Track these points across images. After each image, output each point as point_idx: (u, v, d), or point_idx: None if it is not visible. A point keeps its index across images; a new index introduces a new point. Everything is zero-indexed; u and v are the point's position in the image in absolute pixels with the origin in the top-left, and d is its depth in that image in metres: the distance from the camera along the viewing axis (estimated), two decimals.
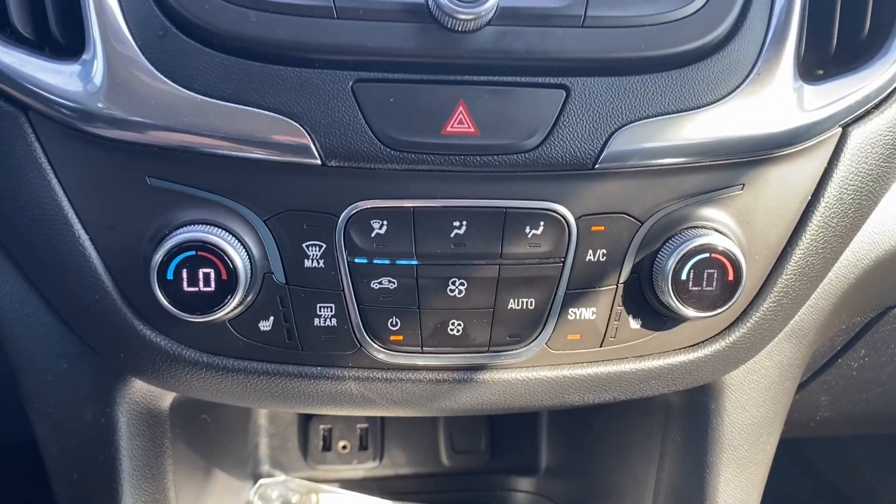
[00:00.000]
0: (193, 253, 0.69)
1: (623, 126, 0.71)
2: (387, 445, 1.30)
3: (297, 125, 0.68)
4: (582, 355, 0.79)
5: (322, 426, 1.29)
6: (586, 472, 1.18)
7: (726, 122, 0.72)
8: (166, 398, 0.86)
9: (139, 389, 0.83)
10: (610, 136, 0.70)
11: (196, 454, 0.99)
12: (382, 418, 1.30)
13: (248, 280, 0.71)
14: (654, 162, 0.72)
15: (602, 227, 0.74)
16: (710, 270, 0.74)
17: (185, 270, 0.69)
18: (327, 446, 1.29)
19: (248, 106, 0.68)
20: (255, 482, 1.23)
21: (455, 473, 1.32)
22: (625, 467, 1.05)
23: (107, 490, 0.83)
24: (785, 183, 0.76)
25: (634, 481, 1.02)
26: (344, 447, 1.29)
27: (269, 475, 1.27)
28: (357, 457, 1.30)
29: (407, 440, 1.32)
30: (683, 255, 0.73)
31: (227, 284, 0.70)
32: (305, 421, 1.29)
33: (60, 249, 0.73)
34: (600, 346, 0.78)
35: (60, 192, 0.72)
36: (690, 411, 0.91)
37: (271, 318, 0.74)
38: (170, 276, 0.69)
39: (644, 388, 0.82)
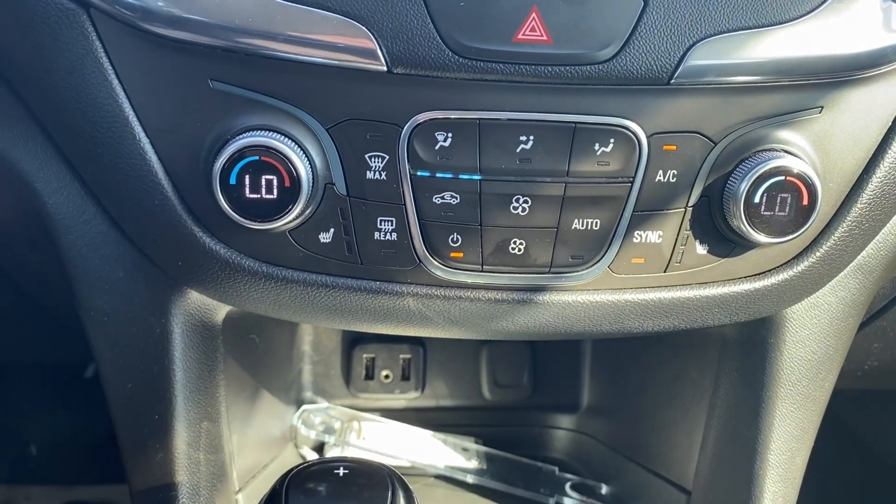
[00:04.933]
0: (257, 158, 0.68)
1: (701, 40, 0.68)
2: (429, 376, 1.30)
3: (364, 28, 0.66)
4: (645, 280, 0.77)
5: (365, 355, 1.29)
6: (631, 409, 1.17)
7: (809, 40, 0.69)
8: (220, 312, 0.86)
9: (194, 301, 0.83)
10: (688, 50, 0.68)
11: (245, 373, 0.99)
12: (425, 349, 1.30)
13: (311, 189, 0.70)
14: (731, 79, 0.69)
15: (674, 147, 0.71)
16: (783, 194, 0.71)
17: (247, 176, 0.68)
18: (370, 375, 1.29)
19: (315, 7, 0.66)
20: (299, 407, 1.23)
21: (495, 408, 1.32)
22: (675, 403, 1.04)
23: (161, 400, 0.83)
24: (865, 107, 0.73)
25: (685, 416, 1.01)
26: (386, 377, 1.30)
27: (312, 401, 1.27)
28: (399, 386, 1.30)
29: (449, 372, 1.31)
30: (757, 178, 0.70)
31: (290, 192, 0.69)
32: (348, 349, 1.29)
33: (120, 153, 0.72)
34: (664, 271, 0.76)
35: (122, 94, 0.70)
36: (748, 345, 0.89)
37: (331, 231, 0.73)
38: (232, 181, 0.68)
39: (706, 316, 0.80)
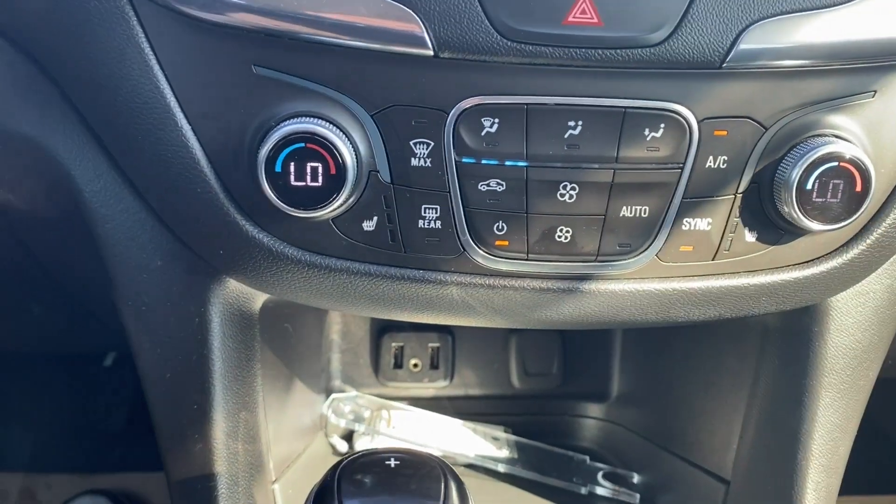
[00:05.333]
0: (302, 145, 0.67)
1: (754, 23, 0.66)
2: (458, 365, 1.29)
3: (411, 12, 0.65)
4: (693, 268, 0.76)
5: (394, 343, 1.28)
6: (664, 398, 1.16)
7: (862, 23, 0.68)
8: (257, 300, 0.85)
9: (232, 290, 0.82)
10: (740, 33, 0.66)
11: (280, 362, 0.99)
12: (454, 337, 1.29)
13: (356, 176, 0.68)
14: (783, 63, 0.68)
15: (725, 132, 0.70)
16: (836, 180, 0.70)
17: (292, 164, 0.67)
18: (398, 364, 1.28)
19: None
20: (328, 396, 1.23)
21: (525, 396, 1.31)
22: (712, 391, 1.02)
23: (200, 390, 0.82)
24: None
25: (723, 405, 1.00)
26: (415, 365, 1.29)
27: (341, 390, 1.27)
28: (428, 375, 1.29)
29: (478, 361, 1.31)
30: (810, 164, 0.69)
31: (335, 180, 0.68)
32: (377, 337, 1.28)
33: (162, 140, 0.71)
34: (713, 259, 0.75)
35: (163, 80, 0.69)
36: (791, 334, 0.88)
37: (375, 218, 0.72)
38: (278, 168, 0.67)
39: (753, 305, 0.79)
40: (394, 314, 0.80)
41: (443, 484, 0.60)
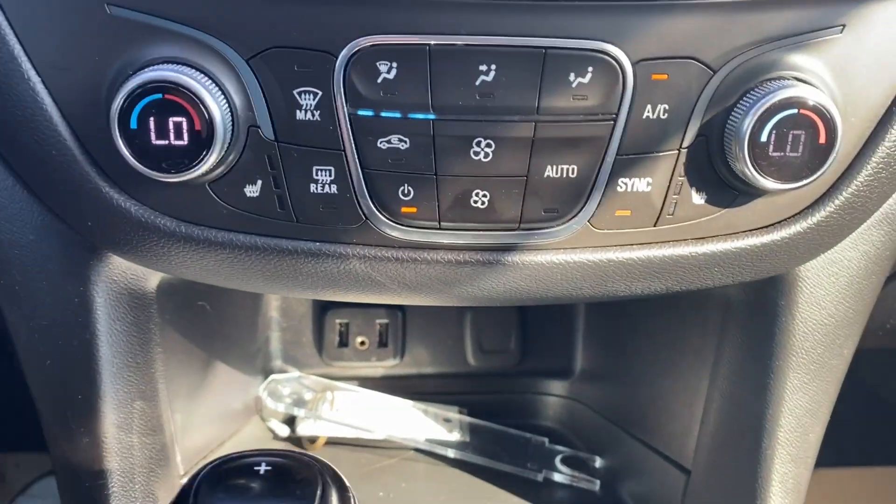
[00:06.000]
0: (160, 96, 0.57)
1: None
2: (408, 343, 1.20)
3: None
4: (632, 235, 0.66)
5: (338, 320, 1.18)
6: (627, 376, 1.07)
7: None
8: (151, 278, 0.75)
9: (118, 266, 0.72)
10: None
11: (193, 345, 0.89)
12: (404, 313, 1.20)
13: (230, 133, 0.59)
14: None
15: (665, 76, 0.60)
16: (796, 131, 0.60)
17: (152, 119, 0.57)
18: (344, 342, 1.19)
19: None
20: (267, 378, 1.14)
21: (482, 374, 1.22)
22: (674, 371, 0.93)
23: (84, 378, 0.73)
24: None
25: (685, 387, 0.90)
26: (362, 343, 1.19)
27: (283, 371, 1.18)
28: (376, 354, 1.19)
29: (430, 338, 1.21)
30: (765, 112, 0.59)
31: (202, 137, 0.58)
32: (320, 314, 1.18)
33: (9, 95, 0.61)
34: (654, 225, 0.65)
35: (5, 25, 0.59)
36: (755, 308, 0.78)
37: (259, 182, 0.62)
38: (134, 124, 0.57)
39: (705, 277, 0.69)
40: (292, 292, 0.71)
41: (320, 490, 0.51)
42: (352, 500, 0.53)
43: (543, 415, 1.21)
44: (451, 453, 1.07)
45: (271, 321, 1.17)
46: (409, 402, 1.14)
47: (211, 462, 0.54)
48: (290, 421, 1.12)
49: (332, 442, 1.11)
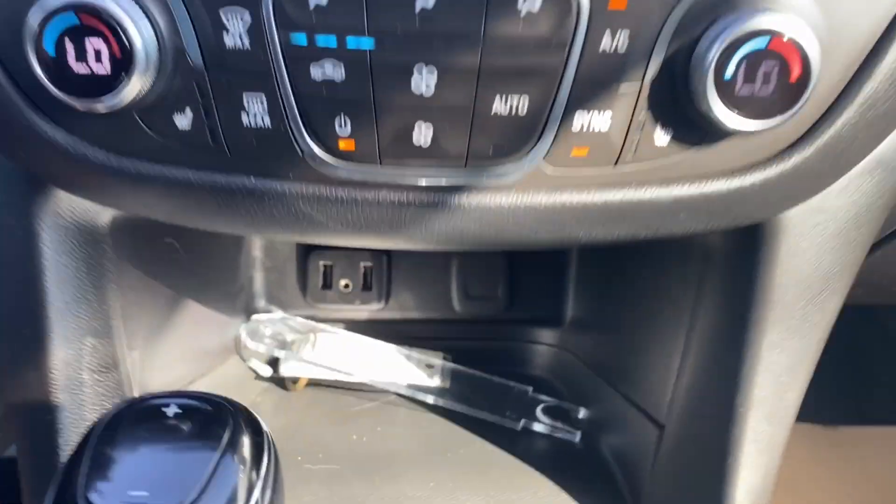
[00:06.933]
0: (76, 20, 0.53)
1: None
2: (393, 287, 1.17)
3: None
4: (590, 177, 0.61)
5: (322, 262, 1.16)
6: (613, 327, 1.03)
7: None
8: (103, 213, 0.73)
9: (64, 200, 0.70)
10: None
11: (159, 282, 0.87)
12: (389, 258, 1.17)
13: (155, 59, 0.55)
14: None
15: (623, 4, 0.54)
16: (767, 65, 0.54)
17: (69, 43, 0.54)
18: (327, 284, 1.17)
19: None
20: (249, 318, 1.13)
21: (469, 321, 1.19)
22: (654, 323, 0.89)
23: (31, 314, 0.72)
24: None
25: (663, 340, 0.86)
26: (346, 286, 1.17)
27: (266, 311, 1.16)
28: (360, 297, 1.17)
29: (415, 282, 1.18)
30: (732, 42, 0.53)
31: (124, 63, 0.54)
32: (304, 255, 1.16)
33: None
34: (614, 165, 0.60)
35: None
36: (734, 258, 0.73)
37: (189, 112, 0.59)
38: (50, 49, 0.54)
39: (670, 222, 0.65)
40: (236, 229, 0.68)
41: (228, 434, 0.48)
42: (267, 447, 0.50)
43: (532, 364, 1.19)
44: (430, 399, 1.05)
45: (255, 261, 1.15)
46: (392, 347, 1.12)
47: (118, 404, 0.52)
48: (274, 363, 1.11)
49: (314, 384, 1.10)
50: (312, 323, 1.14)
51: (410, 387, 1.06)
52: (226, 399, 0.53)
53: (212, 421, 0.50)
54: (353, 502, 0.84)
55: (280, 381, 1.11)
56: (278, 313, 1.15)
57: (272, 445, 0.52)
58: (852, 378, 2.23)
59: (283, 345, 1.09)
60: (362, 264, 1.16)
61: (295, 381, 1.10)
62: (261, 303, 1.17)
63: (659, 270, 0.88)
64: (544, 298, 1.17)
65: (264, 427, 0.52)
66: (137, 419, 0.50)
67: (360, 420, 1.02)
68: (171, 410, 0.50)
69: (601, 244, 0.68)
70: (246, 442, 0.49)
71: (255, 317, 1.13)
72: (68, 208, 0.71)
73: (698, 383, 0.79)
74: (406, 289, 1.17)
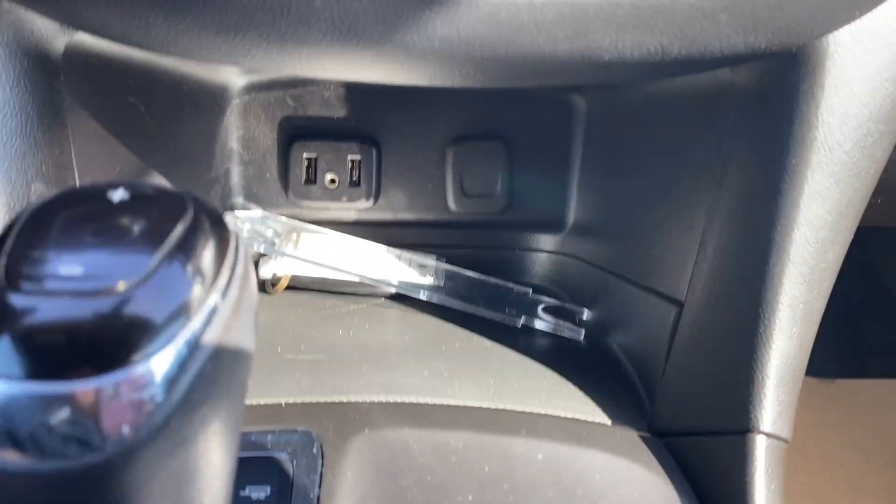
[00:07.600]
0: None
1: None
2: (384, 183, 1.09)
3: None
4: None
5: (305, 154, 1.07)
6: (621, 219, 0.94)
7: None
8: (56, 38, 0.64)
9: (8, 13, 0.61)
10: None
11: (123, 148, 0.78)
12: (379, 149, 1.07)
13: None
14: None
15: None
16: None
17: None
18: (311, 178, 1.08)
19: None
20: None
21: (466, 224, 1.11)
22: (673, 193, 0.80)
23: None
24: None
25: (681, 212, 0.78)
26: (332, 181, 1.08)
27: (245, 208, 1.07)
28: (347, 193, 1.08)
29: (407, 178, 1.09)
30: None
31: None
32: (286, 147, 1.07)
33: None
34: None
35: None
36: (772, 97, 0.65)
37: None
38: None
39: (708, 30, 0.56)
40: (196, 38, 0.58)
41: (184, 227, 0.39)
42: (233, 246, 0.41)
43: (530, 270, 1.10)
44: (423, 296, 0.97)
45: (232, 152, 1.06)
46: (382, 247, 1.03)
47: (60, 191, 0.43)
48: (255, 262, 1.02)
49: (295, 287, 1.01)
50: (295, 222, 1.05)
51: (402, 284, 0.98)
52: (188, 192, 0.44)
53: (167, 211, 0.41)
54: (339, 391, 0.75)
55: (260, 285, 1.02)
56: (258, 211, 1.06)
57: (241, 248, 0.43)
58: (850, 333, 2.22)
59: (263, 243, 1.00)
60: (350, 157, 1.07)
61: (275, 283, 1.01)
62: (238, 199, 1.08)
63: (679, 135, 0.80)
64: (546, 199, 1.09)
65: (231, 227, 0.43)
66: (76, 202, 0.41)
67: (347, 319, 0.94)
68: (119, 196, 0.41)
69: (627, 65, 0.59)
70: (210, 240, 0.40)
71: (237, 213, 1.04)
72: (13, 22, 0.61)
73: (726, 248, 0.71)
74: (397, 185, 1.08)
